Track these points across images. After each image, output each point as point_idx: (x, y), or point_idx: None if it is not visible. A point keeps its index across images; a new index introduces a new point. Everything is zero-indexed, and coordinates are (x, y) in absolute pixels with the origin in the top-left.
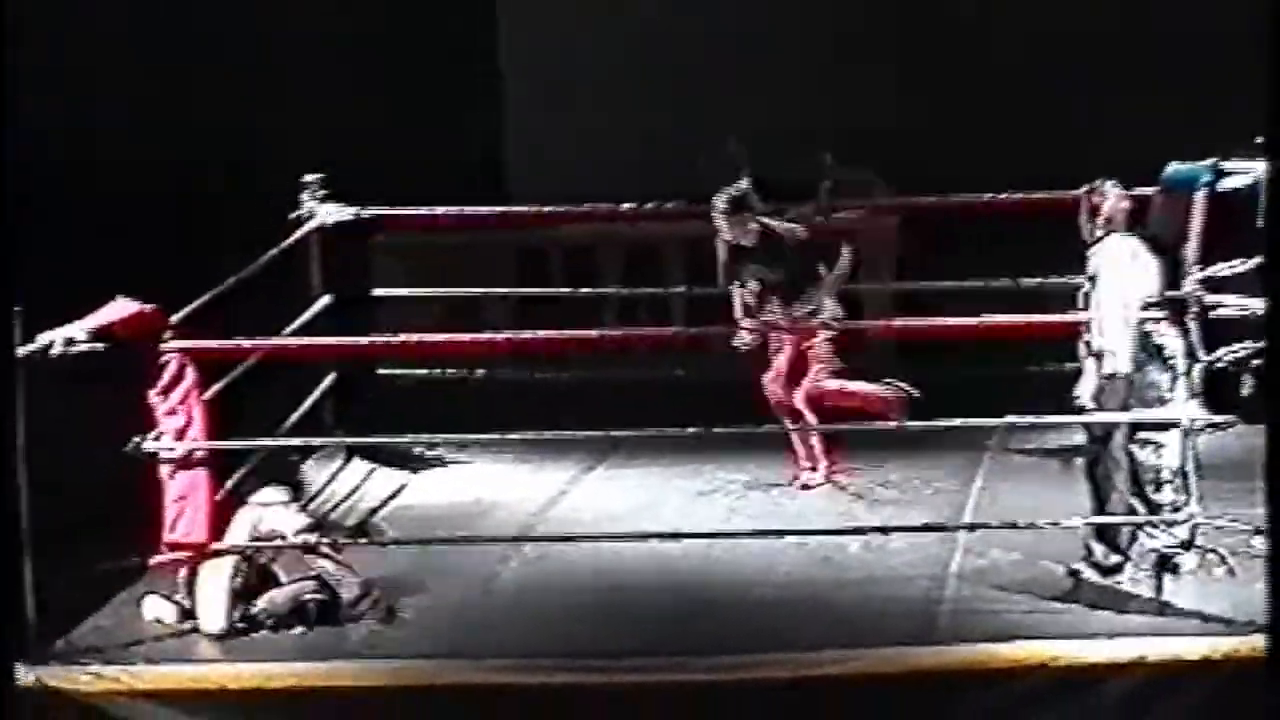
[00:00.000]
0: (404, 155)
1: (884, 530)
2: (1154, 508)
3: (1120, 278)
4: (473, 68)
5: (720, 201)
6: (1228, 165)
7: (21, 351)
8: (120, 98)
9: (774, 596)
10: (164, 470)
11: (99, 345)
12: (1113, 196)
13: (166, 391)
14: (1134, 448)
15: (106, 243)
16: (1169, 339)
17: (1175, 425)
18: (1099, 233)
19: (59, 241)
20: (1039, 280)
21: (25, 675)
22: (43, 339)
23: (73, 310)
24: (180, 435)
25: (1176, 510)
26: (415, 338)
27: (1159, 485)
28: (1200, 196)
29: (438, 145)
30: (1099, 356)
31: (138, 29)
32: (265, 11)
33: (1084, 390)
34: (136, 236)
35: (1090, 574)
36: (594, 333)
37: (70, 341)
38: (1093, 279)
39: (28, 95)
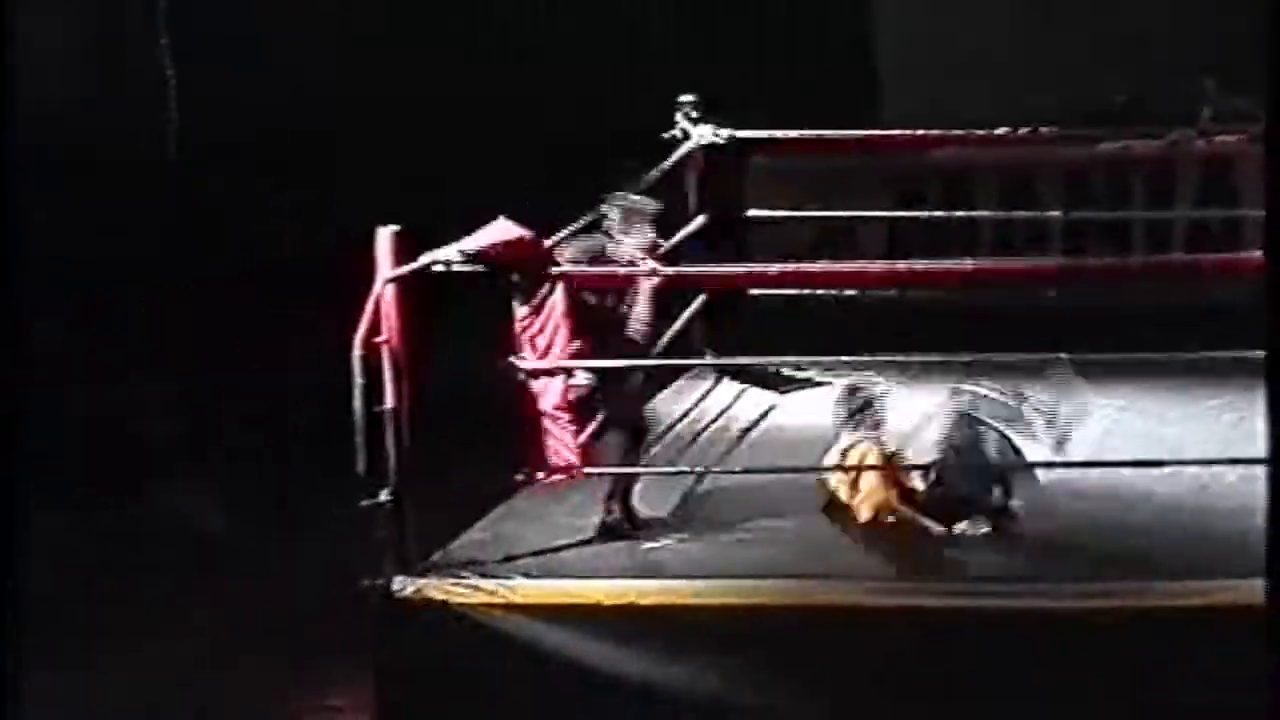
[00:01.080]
0: (778, 78)
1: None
2: None
3: None
4: None
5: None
6: None
7: (402, 270)
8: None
9: (1149, 523)
10: (536, 392)
11: (478, 267)
12: None
13: (542, 316)
14: None
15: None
16: None
17: None
18: None
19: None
20: None
21: (404, 586)
22: (424, 258)
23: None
24: (550, 356)
25: None
26: (789, 267)
27: None
28: None
29: (810, 69)
30: None
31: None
32: None
33: None
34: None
35: None
36: (968, 264)
37: (451, 262)
38: None
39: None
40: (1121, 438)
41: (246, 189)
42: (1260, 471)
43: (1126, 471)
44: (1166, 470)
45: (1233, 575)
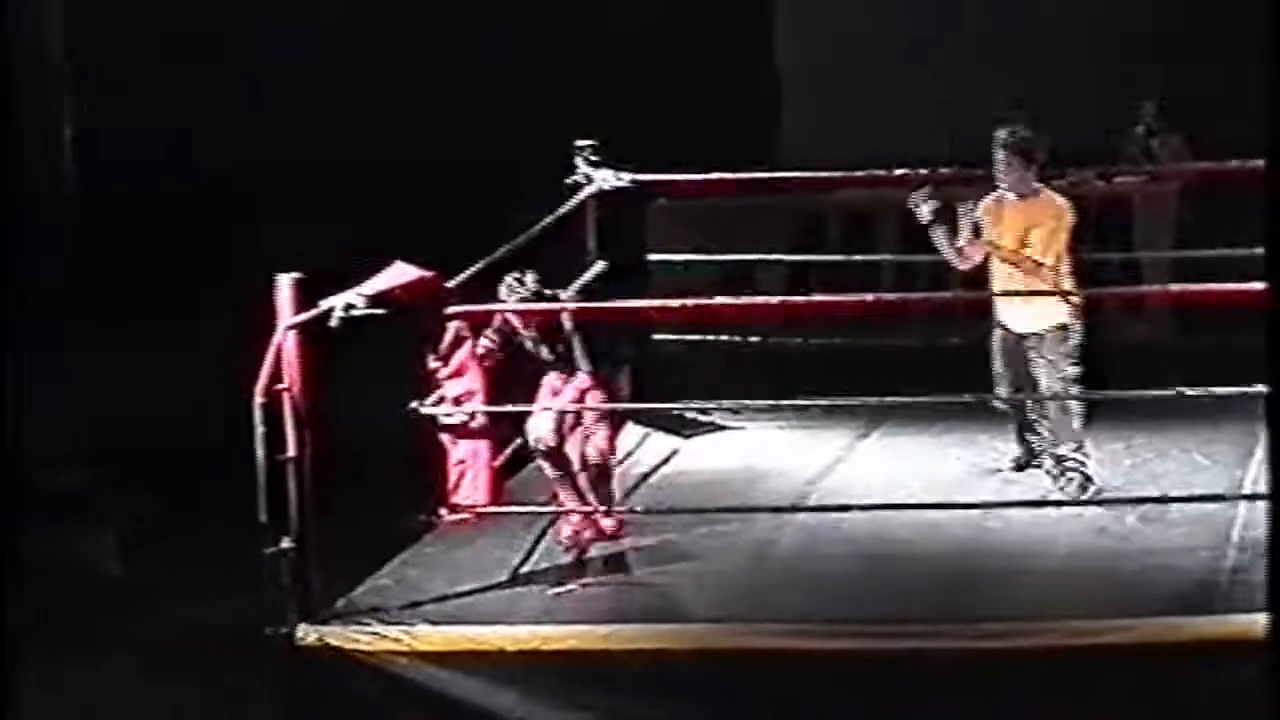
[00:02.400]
0: (677, 118)
1: (1165, 500)
2: None
3: None
4: (747, 30)
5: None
6: None
7: (302, 317)
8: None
9: (1050, 566)
10: (445, 435)
11: (378, 310)
12: None
13: (447, 357)
14: None
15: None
16: None
17: None
18: None
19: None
20: None
21: (307, 634)
22: (324, 304)
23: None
24: (461, 400)
25: None
26: (690, 302)
27: None
28: None
29: (712, 108)
30: None
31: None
32: None
33: None
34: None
35: None
36: (869, 297)
37: (350, 307)
38: None
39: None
40: (1021, 485)
41: (150, 231)
42: (1160, 512)
43: (1027, 515)
44: (1066, 513)
45: (1136, 615)
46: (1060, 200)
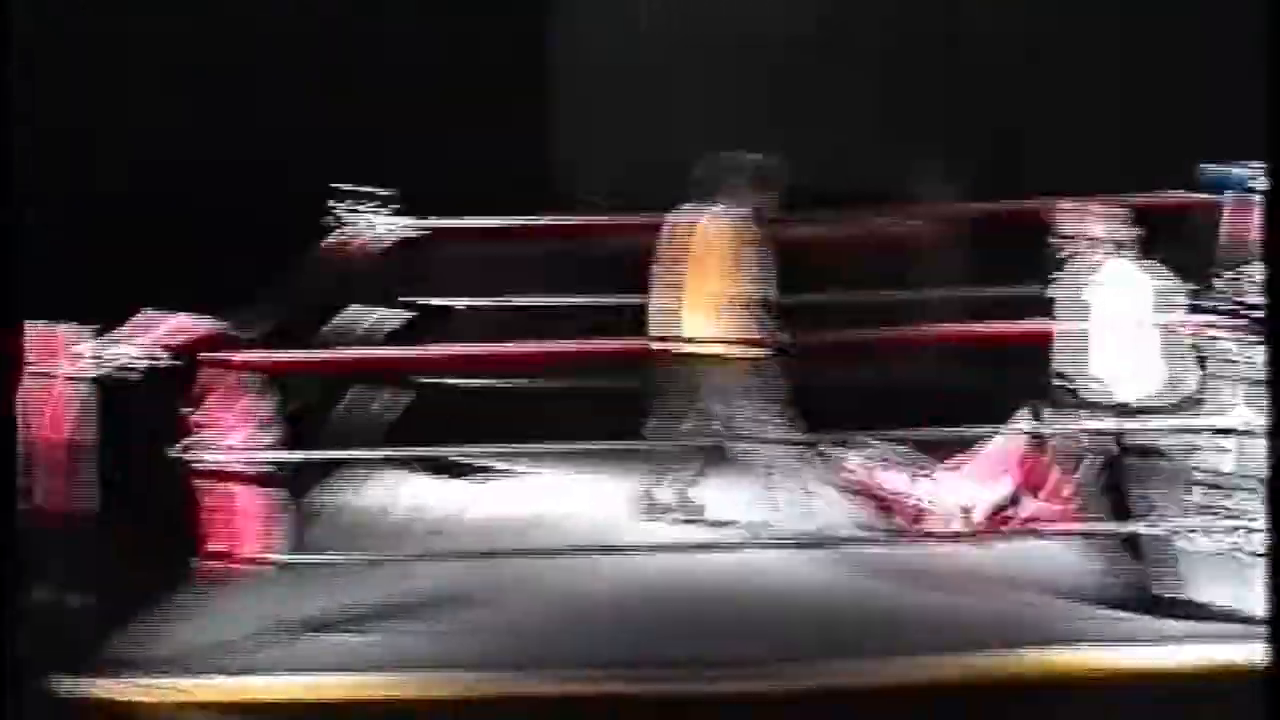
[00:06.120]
0: (456, 164)
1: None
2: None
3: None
4: (522, 74)
5: None
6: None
7: (70, 369)
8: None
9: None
10: (206, 481)
11: (148, 359)
12: (1098, 215)
13: (201, 400)
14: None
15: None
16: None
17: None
18: (1088, 252)
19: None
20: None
21: (69, 686)
22: (88, 353)
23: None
24: (222, 446)
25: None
26: (449, 349)
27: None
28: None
29: (490, 153)
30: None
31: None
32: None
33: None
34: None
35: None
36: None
37: (117, 357)
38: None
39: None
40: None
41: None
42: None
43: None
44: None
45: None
46: (738, 223)
